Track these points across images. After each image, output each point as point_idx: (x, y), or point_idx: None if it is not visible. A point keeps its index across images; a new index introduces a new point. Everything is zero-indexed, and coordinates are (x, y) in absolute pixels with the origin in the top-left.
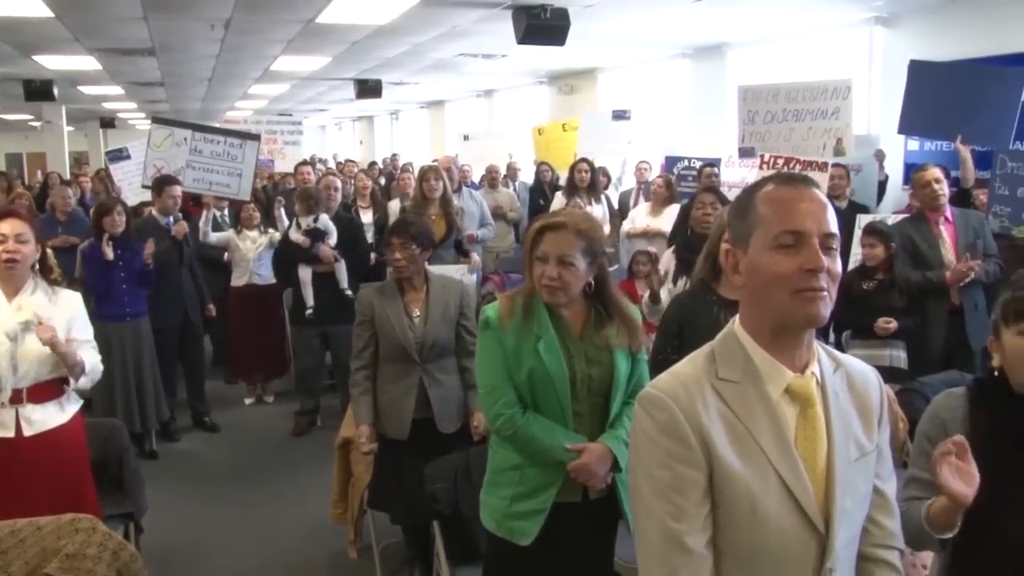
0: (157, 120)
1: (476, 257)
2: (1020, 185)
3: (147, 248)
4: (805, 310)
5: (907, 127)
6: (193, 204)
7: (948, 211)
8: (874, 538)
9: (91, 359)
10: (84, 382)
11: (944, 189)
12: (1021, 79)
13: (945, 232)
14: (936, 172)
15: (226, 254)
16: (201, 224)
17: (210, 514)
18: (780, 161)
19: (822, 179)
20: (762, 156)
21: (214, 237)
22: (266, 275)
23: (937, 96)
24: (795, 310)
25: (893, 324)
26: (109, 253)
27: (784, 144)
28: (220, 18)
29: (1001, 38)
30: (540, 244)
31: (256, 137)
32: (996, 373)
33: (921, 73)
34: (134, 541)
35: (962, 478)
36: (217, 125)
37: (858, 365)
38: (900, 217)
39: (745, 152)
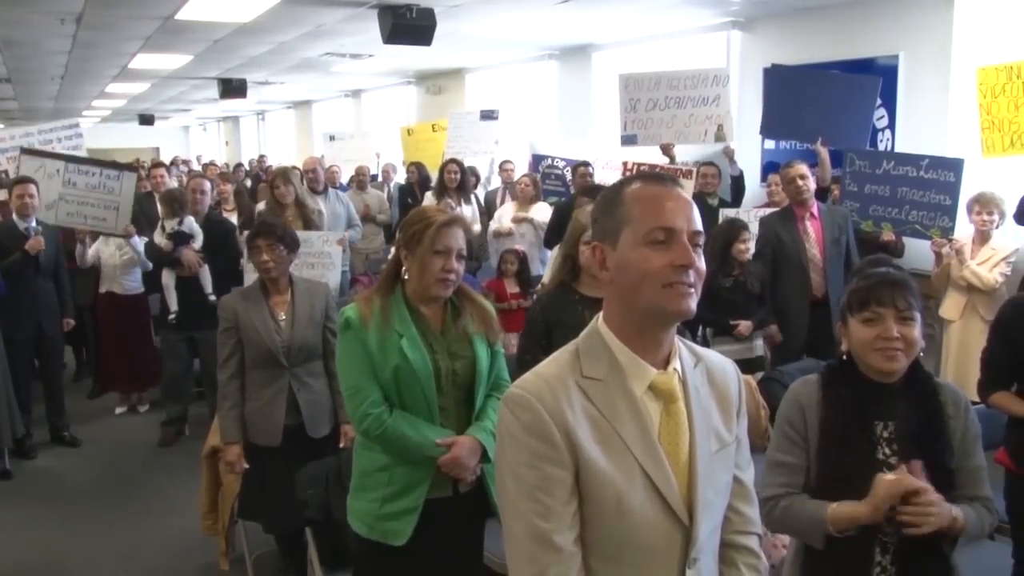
0: (27, 152)
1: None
2: (867, 182)
3: None
4: (675, 303)
5: (768, 130)
6: None
7: (815, 207)
8: (734, 525)
9: None
10: None
11: (809, 185)
12: (875, 87)
13: (811, 227)
14: (802, 168)
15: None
16: (78, 255)
17: (69, 534)
18: (645, 168)
19: (688, 185)
20: (625, 163)
21: (90, 256)
22: (130, 285)
23: (797, 100)
24: (665, 303)
25: (749, 326)
26: None
27: (667, 131)
28: (70, 12)
29: (848, 45)
30: (442, 238)
31: (134, 168)
32: (845, 358)
33: (781, 78)
34: None
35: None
36: (90, 156)
37: (717, 358)
38: (763, 211)
39: (627, 140)
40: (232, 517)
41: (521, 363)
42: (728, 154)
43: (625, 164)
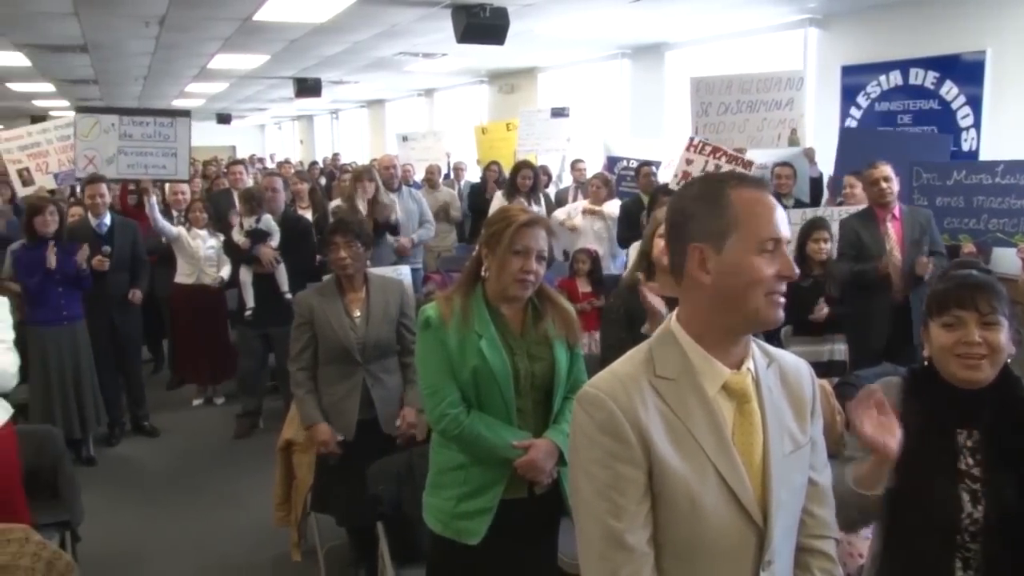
0: (81, 109)
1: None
2: (938, 194)
3: (80, 254)
4: (772, 313)
5: (838, 183)
6: (130, 201)
7: (896, 208)
8: (809, 528)
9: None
10: None
11: (892, 187)
12: (947, 144)
13: (891, 229)
14: (886, 170)
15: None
16: (148, 210)
17: (149, 521)
18: (707, 148)
19: None
20: (691, 139)
21: (167, 227)
22: (216, 275)
23: (869, 155)
24: (766, 311)
25: (825, 309)
26: (52, 261)
27: (739, 136)
28: (154, 15)
29: (931, 40)
30: (522, 238)
31: (187, 114)
32: (927, 363)
33: (854, 139)
34: (70, 550)
35: (883, 430)
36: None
37: (791, 359)
38: (844, 209)
39: None
40: (305, 510)
41: (607, 349)
42: (809, 155)
43: (691, 141)
